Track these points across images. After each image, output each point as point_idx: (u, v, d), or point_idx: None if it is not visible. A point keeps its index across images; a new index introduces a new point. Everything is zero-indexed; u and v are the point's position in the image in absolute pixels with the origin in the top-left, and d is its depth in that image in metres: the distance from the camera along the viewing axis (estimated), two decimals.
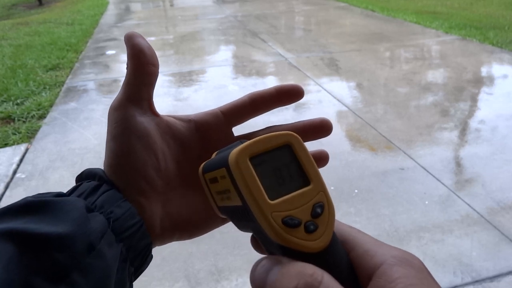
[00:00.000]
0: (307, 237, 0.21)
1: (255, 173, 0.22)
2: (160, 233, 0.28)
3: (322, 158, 0.31)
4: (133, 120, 0.28)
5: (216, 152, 0.28)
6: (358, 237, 0.23)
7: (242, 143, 0.24)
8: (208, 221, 0.30)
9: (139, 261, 0.27)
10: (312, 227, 0.21)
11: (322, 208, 0.22)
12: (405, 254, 0.21)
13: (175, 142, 0.30)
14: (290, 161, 0.23)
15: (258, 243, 0.26)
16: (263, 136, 0.23)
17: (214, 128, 0.31)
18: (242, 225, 0.25)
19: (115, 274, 0.24)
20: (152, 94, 0.29)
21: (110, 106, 0.29)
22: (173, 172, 0.30)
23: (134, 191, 0.27)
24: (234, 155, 0.22)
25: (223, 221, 0.31)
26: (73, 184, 0.28)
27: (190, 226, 0.30)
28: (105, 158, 0.28)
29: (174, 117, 0.31)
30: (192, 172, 0.31)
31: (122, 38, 5.07)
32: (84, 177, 0.28)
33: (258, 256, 0.23)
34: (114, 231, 0.25)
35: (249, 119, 0.32)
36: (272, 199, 0.21)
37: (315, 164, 0.23)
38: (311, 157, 0.23)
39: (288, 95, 0.31)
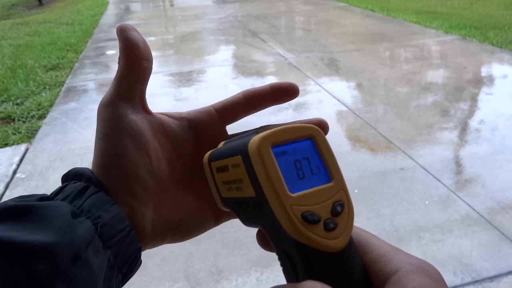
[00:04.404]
0: (326, 235, 0.20)
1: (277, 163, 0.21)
2: (151, 236, 0.27)
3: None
4: (125, 119, 0.26)
5: (224, 142, 0.27)
6: (373, 241, 0.22)
7: (258, 132, 0.23)
8: (201, 222, 0.29)
9: (128, 267, 0.25)
10: (331, 225, 0.20)
11: (342, 207, 0.21)
12: (423, 262, 0.20)
13: (168, 140, 0.29)
14: (311, 155, 0.22)
15: (266, 240, 0.25)
16: (286, 126, 0.22)
17: (208, 126, 0.30)
18: (249, 219, 0.24)
19: (101, 284, 0.22)
20: (145, 91, 0.28)
21: (100, 103, 0.27)
22: (165, 172, 0.28)
23: (125, 193, 0.26)
24: (256, 142, 0.21)
25: (216, 223, 0.30)
26: None
27: (182, 228, 0.28)
28: (94, 158, 0.27)
29: (167, 114, 0.30)
30: (185, 171, 0.30)
31: None
32: (71, 177, 0.26)
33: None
34: (102, 237, 0.23)
35: (243, 117, 0.31)
36: (292, 192, 0.21)
37: (337, 162, 0.23)
38: (333, 154, 0.23)
39: (283, 93, 0.30)
